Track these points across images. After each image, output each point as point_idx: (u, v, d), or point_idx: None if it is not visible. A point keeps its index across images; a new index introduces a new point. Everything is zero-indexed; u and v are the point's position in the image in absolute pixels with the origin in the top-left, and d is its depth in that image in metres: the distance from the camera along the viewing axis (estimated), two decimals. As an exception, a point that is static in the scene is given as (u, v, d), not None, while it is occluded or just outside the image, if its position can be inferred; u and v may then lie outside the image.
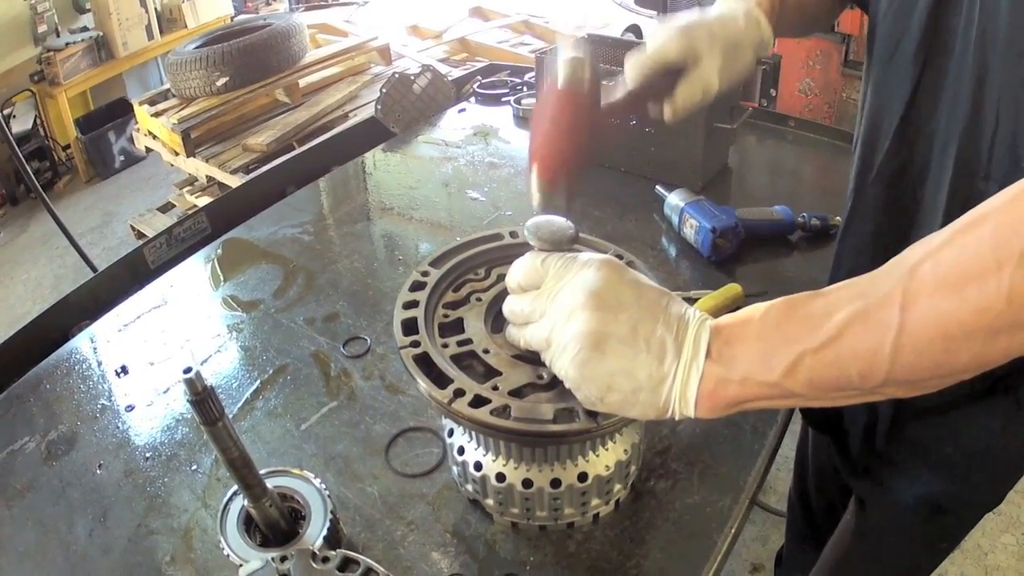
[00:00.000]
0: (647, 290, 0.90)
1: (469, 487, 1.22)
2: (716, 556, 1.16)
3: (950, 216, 1.04)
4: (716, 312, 1.19)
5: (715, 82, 1.25)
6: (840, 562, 1.69)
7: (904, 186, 1.22)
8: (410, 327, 1.13)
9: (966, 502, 1.42)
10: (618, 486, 1.19)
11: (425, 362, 1.08)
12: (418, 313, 1.15)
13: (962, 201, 1.08)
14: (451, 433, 1.22)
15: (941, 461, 1.34)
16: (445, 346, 1.12)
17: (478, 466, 1.16)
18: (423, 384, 1.05)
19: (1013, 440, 1.28)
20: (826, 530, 1.82)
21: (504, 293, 1.12)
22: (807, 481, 2.10)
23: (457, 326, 1.17)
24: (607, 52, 2.42)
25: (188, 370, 0.89)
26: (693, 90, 1.25)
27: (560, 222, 1.02)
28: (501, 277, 1.23)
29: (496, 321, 1.19)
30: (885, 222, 1.28)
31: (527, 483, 1.12)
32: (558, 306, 0.91)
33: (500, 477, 1.14)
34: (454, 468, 1.26)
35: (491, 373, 1.09)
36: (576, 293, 0.89)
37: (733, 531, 1.19)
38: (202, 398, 0.90)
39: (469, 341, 1.14)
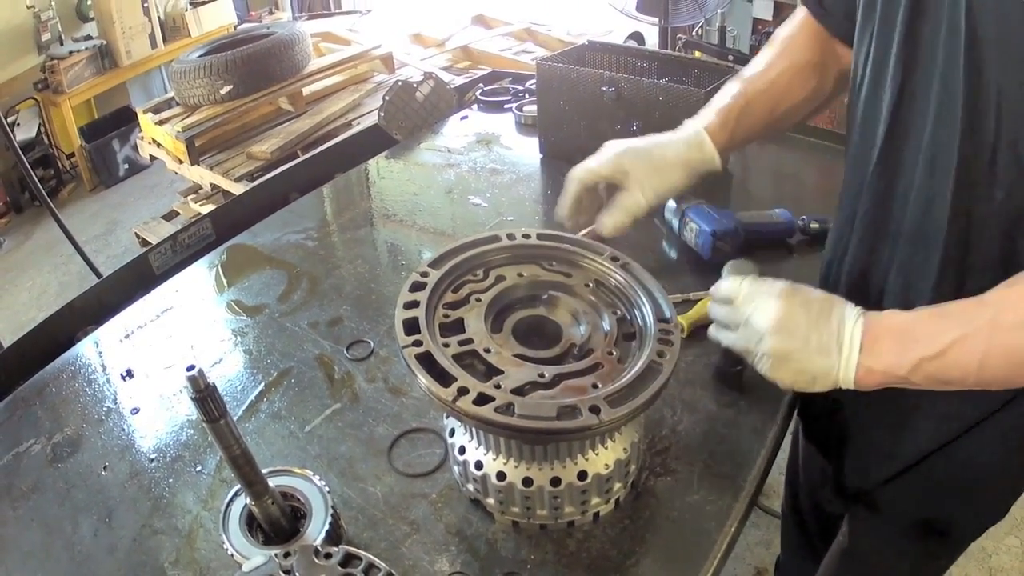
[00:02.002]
0: (815, 304, 1.13)
1: (470, 486, 1.23)
2: (716, 555, 1.16)
3: (954, 225, 1.10)
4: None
5: (642, 201, 1.44)
6: None
7: (889, 201, 1.23)
8: (412, 326, 1.14)
9: (967, 521, 1.43)
10: (618, 485, 1.20)
11: (427, 361, 1.09)
12: (419, 313, 1.16)
13: (966, 210, 1.09)
14: (452, 433, 1.24)
15: (942, 483, 1.35)
16: (446, 345, 1.14)
17: (479, 465, 1.17)
18: (426, 382, 1.06)
19: (1016, 460, 1.29)
20: (820, 541, 1.83)
21: (503, 294, 1.26)
22: (799, 496, 2.11)
23: (458, 326, 1.19)
24: (610, 59, 2.44)
25: (191, 368, 0.90)
26: (619, 215, 1.45)
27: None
28: (500, 278, 1.27)
29: (496, 321, 1.21)
30: (873, 236, 1.29)
31: (527, 481, 1.13)
32: (752, 327, 1.16)
33: (500, 476, 1.15)
34: (455, 468, 1.27)
35: (492, 372, 1.11)
36: (764, 320, 1.14)
37: (733, 530, 1.20)
38: (204, 396, 0.92)
39: (470, 340, 1.15)
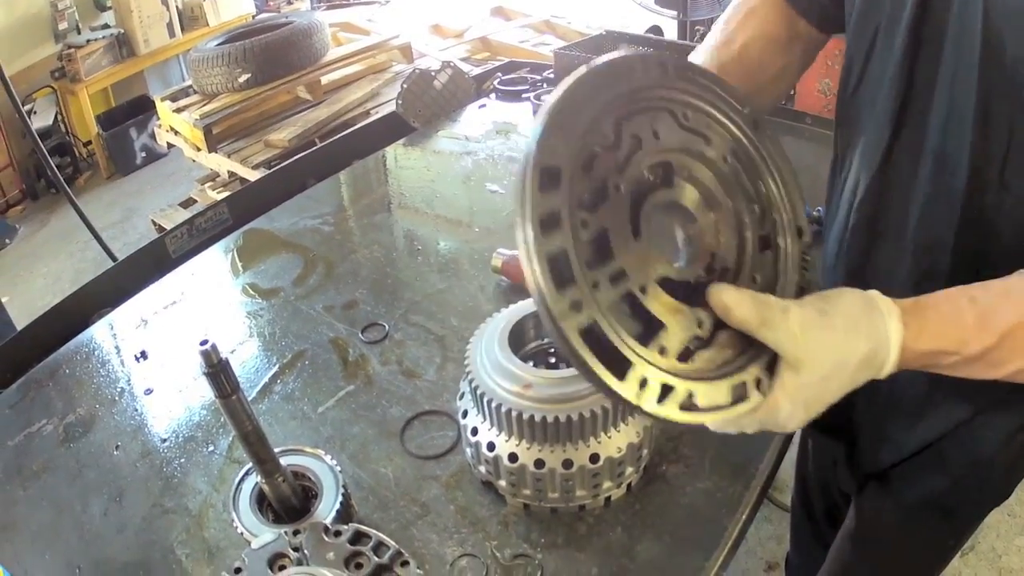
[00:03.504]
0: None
1: (482, 468, 1.22)
2: (727, 542, 1.16)
3: (964, 230, 1.08)
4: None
5: None
6: (844, 568, 1.69)
7: (892, 204, 1.21)
8: (562, 274, 0.77)
9: (973, 502, 1.42)
10: (630, 469, 1.20)
11: (593, 338, 0.78)
12: (566, 243, 0.78)
13: (976, 214, 1.07)
14: (465, 414, 1.23)
15: (948, 467, 1.34)
16: (596, 286, 0.80)
17: (491, 446, 1.16)
18: (600, 374, 0.78)
19: (1018, 440, 1.29)
20: (830, 535, 1.81)
21: (639, 181, 0.90)
22: (809, 488, 2.10)
23: (602, 243, 0.83)
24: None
25: (204, 342, 0.90)
26: None
27: None
28: (634, 140, 0.89)
29: (632, 217, 0.88)
30: (870, 238, 1.27)
31: (539, 463, 1.13)
32: None
33: (512, 457, 1.14)
34: (468, 450, 1.26)
35: (651, 326, 0.84)
36: None
37: (744, 518, 1.19)
38: (217, 370, 0.92)
39: (622, 274, 0.83)
